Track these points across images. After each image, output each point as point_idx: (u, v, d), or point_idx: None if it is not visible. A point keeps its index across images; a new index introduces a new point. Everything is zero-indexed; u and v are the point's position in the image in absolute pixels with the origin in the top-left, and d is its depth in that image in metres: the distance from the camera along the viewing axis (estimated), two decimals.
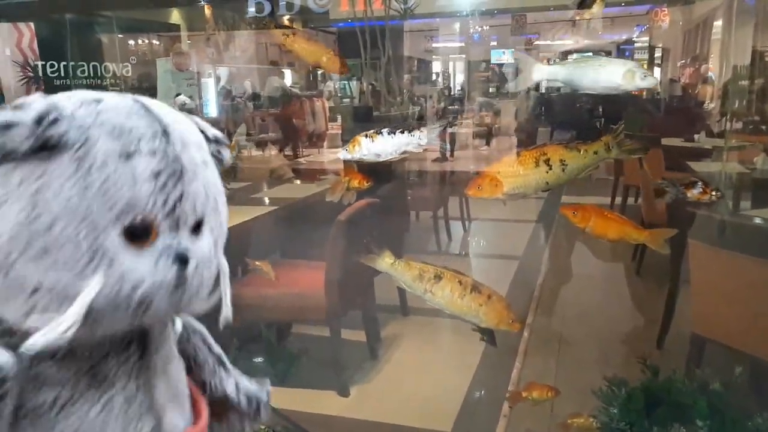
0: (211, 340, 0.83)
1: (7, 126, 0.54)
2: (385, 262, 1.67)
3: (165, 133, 0.62)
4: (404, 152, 1.66)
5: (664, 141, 4.48)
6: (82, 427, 0.62)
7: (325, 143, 7.79)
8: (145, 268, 0.58)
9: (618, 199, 5.02)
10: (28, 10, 2.97)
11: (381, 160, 1.65)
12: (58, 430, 0.61)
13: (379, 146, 1.64)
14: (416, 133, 1.65)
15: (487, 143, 7.32)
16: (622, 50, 10.50)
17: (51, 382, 0.61)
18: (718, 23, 6.96)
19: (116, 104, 0.62)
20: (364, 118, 4.38)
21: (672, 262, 2.79)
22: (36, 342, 0.56)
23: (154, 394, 0.67)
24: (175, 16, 6.78)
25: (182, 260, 0.60)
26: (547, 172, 1.45)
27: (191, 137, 0.66)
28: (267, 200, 3.75)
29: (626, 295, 3.75)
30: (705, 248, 2.34)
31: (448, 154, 6.50)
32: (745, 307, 2.15)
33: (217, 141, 0.72)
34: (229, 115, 7.50)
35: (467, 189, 1.57)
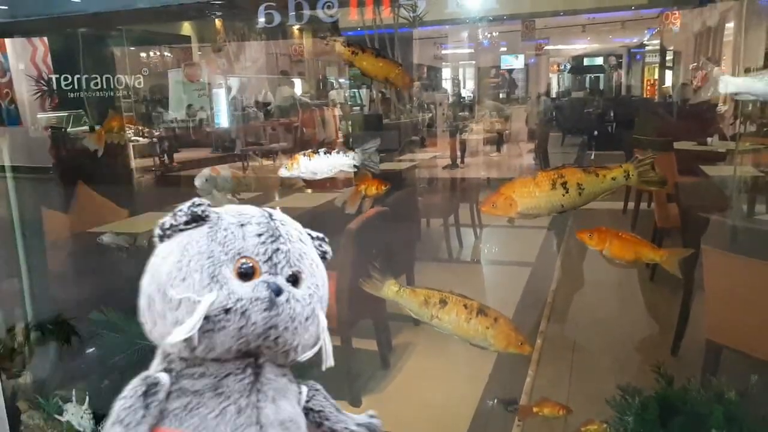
0: (326, 395, 1.07)
1: (180, 213, 0.92)
2: (390, 290, 1.66)
3: (270, 216, 0.95)
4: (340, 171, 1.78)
5: (677, 144, 4.44)
6: (202, 424, 0.87)
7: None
8: (246, 290, 0.85)
9: (630, 204, 4.97)
10: (41, 26, 3.01)
11: (317, 178, 1.75)
12: (185, 425, 0.86)
13: (315, 165, 1.74)
14: (350, 153, 1.76)
15: (498, 149, 7.30)
16: (633, 54, 10.43)
17: (186, 393, 0.88)
18: (730, 25, 6.90)
19: (243, 206, 0.97)
20: (374, 126, 4.38)
21: (686, 268, 2.76)
22: (176, 335, 0.82)
23: (260, 413, 0.89)
24: (186, 28, 6.84)
25: (275, 291, 0.86)
26: (564, 195, 1.44)
27: (291, 224, 0.98)
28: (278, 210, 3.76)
29: (640, 301, 3.71)
30: (719, 254, 2.31)
31: (458, 161, 6.50)
32: (761, 313, 2.12)
33: (318, 239, 1.04)
34: (240, 125, 7.54)
35: (482, 205, 1.57)
